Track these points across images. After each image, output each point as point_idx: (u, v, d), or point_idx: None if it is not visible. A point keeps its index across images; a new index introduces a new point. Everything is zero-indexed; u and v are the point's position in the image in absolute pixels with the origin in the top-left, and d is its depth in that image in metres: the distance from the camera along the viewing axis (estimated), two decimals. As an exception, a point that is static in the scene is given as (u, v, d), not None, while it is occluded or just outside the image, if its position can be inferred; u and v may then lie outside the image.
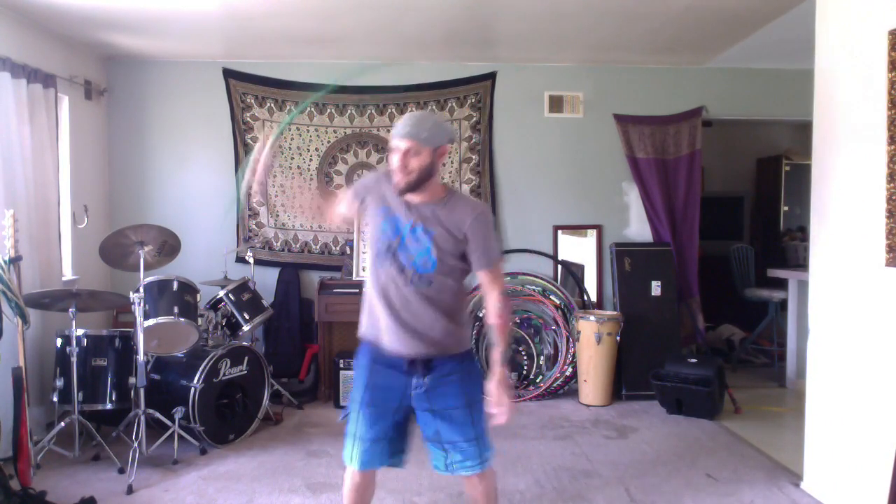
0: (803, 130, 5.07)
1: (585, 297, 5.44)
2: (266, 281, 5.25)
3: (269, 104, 5.40)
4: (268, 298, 5.01)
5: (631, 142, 5.46)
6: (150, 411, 3.79)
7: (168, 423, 3.81)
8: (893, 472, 2.63)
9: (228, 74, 5.36)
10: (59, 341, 3.89)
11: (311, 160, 5.44)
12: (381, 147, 5.39)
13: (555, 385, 5.17)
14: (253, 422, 4.27)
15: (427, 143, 2.17)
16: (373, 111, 5.43)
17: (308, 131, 5.43)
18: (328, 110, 5.41)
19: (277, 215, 5.45)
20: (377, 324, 2.32)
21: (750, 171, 7.39)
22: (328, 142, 5.44)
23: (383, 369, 2.33)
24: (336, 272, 5.29)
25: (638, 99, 5.52)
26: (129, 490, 3.39)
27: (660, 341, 5.13)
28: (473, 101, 5.47)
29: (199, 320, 4.14)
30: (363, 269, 4.80)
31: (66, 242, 4.66)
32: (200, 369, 3.92)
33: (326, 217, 2.63)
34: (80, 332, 3.77)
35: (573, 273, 5.53)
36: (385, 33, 4.66)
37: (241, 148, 5.39)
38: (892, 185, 2.78)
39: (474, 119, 5.47)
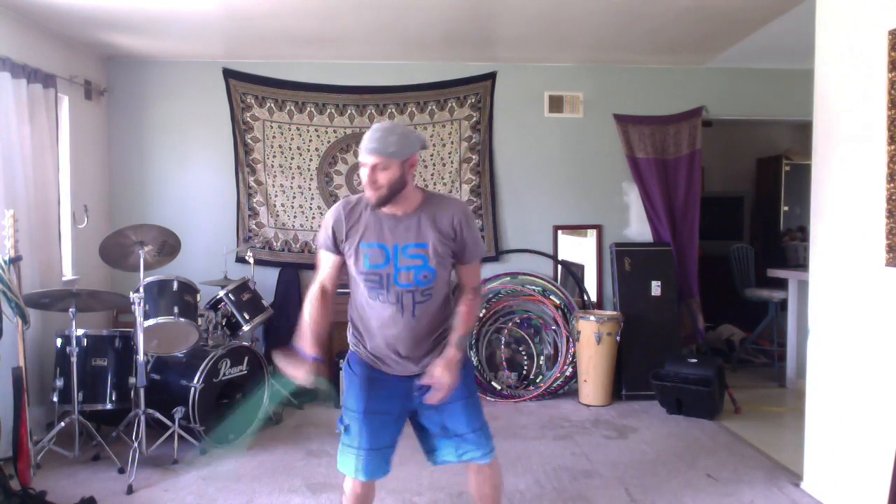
0: (803, 130, 5.07)
1: (585, 297, 5.44)
2: (266, 281, 5.25)
3: (269, 104, 5.40)
4: (268, 298, 5.00)
5: (631, 142, 5.46)
6: (150, 411, 3.79)
7: (168, 423, 3.81)
8: (893, 472, 2.63)
9: (228, 74, 5.36)
10: (59, 341, 3.89)
11: (311, 160, 5.44)
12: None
13: (555, 385, 5.17)
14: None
15: (395, 157, 2.14)
16: (373, 111, 5.43)
17: (308, 131, 5.43)
18: (328, 110, 5.41)
19: (277, 215, 5.45)
20: (376, 352, 2.34)
21: (750, 171, 7.39)
22: (328, 142, 5.44)
23: (382, 376, 2.34)
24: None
25: (638, 99, 5.52)
26: (129, 490, 3.39)
27: (660, 341, 5.13)
28: (473, 101, 5.47)
29: (199, 320, 4.14)
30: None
31: (66, 242, 4.66)
32: (200, 369, 3.92)
33: (327, 299, 2.39)
34: (80, 332, 3.77)
35: (573, 273, 5.53)
36: (385, 33, 4.66)
37: (241, 148, 5.39)
38: (891, 185, 2.77)
39: (474, 119, 5.47)
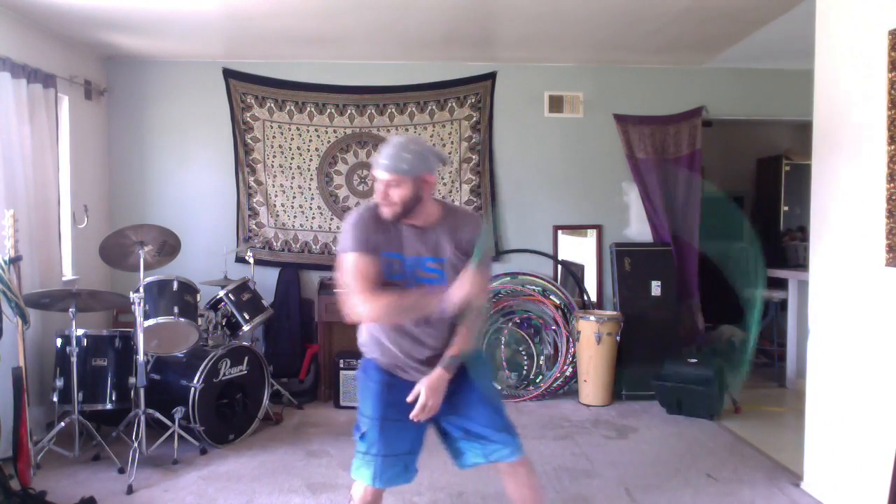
0: (803, 130, 5.06)
1: (585, 297, 5.44)
2: (266, 281, 5.25)
3: (269, 104, 5.39)
4: (268, 298, 5.01)
5: (631, 142, 5.46)
6: (150, 411, 3.79)
7: (168, 423, 3.81)
8: (893, 473, 2.63)
9: (228, 74, 5.36)
10: (59, 341, 3.89)
11: (311, 160, 5.43)
12: (382, 147, 5.39)
13: (555, 385, 5.17)
14: (253, 422, 4.27)
15: (407, 174, 2.11)
16: (373, 111, 5.43)
17: (308, 131, 5.43)
18: (328, 110, 5.41)
19: (277, 215, 5.45)
20: (393, 359, 2.32)
21: (750, 171, 7.39)
22: (328, 142, 5.43)
23: (399, 382, 2.32)
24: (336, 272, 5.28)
25: (638, 99, 5.52)
26: (129, 490, 3.39)
27: (660, 341, 5.13)
28: (473, 101, 5.47)
29: (199, 320, 4.14)
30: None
31: (66, 242, 4.66)
32: (200, 369, 3.92)
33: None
34: (80, 332, 3.77)
35: (573, 273, 5.53)
36: (385, 33, 4.66)
37: (241, 148, 5.39)
38: (892, 184, 2.77)
39: (474, 119, 5.47)
